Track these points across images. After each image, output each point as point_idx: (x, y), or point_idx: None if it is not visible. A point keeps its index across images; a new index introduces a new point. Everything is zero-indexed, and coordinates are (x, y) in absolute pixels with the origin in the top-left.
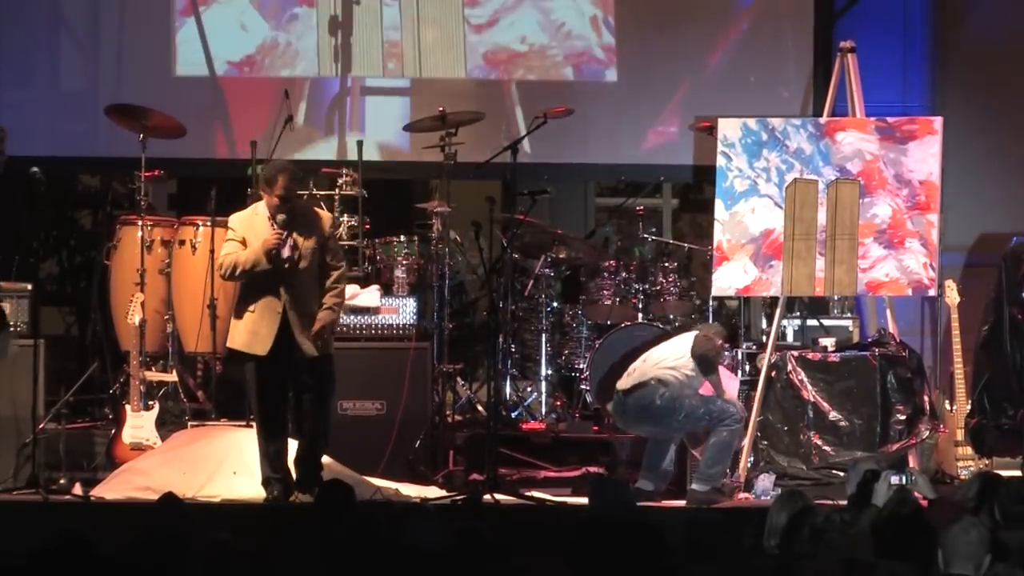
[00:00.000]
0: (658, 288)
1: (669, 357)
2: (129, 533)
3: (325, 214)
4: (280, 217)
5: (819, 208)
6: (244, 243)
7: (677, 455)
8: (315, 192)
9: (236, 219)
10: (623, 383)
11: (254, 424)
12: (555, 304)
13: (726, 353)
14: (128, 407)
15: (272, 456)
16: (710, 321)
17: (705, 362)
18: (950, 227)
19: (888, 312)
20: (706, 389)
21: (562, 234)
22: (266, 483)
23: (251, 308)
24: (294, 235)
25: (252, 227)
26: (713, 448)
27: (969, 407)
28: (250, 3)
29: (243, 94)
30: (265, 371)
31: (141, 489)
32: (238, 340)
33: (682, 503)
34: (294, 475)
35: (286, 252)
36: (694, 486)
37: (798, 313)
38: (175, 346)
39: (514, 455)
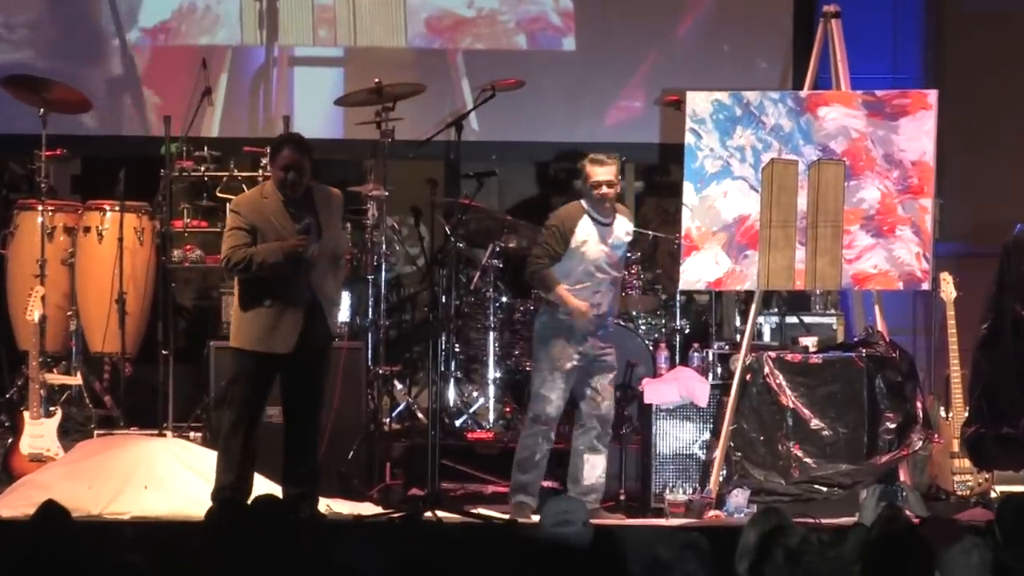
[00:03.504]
0: None
1: None
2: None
3: (337, 192)
4: (306, 223)
5: (799, 192)
6: (253, 231)
7: (623, 466)
8: (236, 173)
9: (242, 203)
10: None
11: (231, 426)
12: (504, 299)
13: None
14: (26, 414)
15: (245, 463)
16: (677, 317)
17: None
18: (946, 213)
19: (876, 308)
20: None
21: (512, 221)
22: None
23: (267, 302)
24: (315, 222)
25: (260, 212)
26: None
27: (966, 414)
28: None
29: (157, 64)
30: (266, 369)
31: None
32: (246, 338)
33: (645, 521)
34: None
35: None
36: None
37: (776, 309)
38: (79, 345)
39: (458, 468)
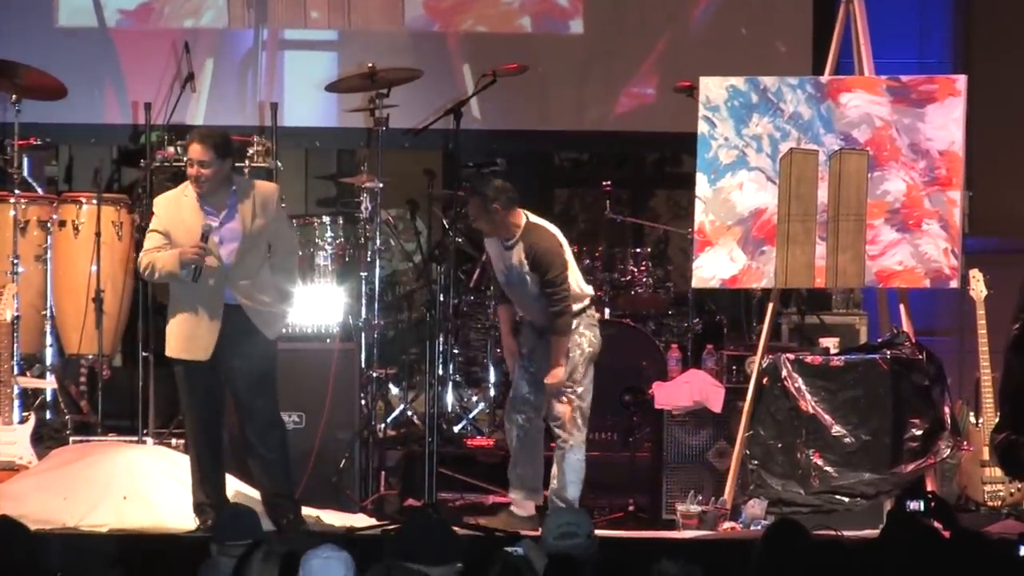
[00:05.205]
0: (628, 278)
1: None
2: None
3: (269, 186)
4: (205, 226)
5: (820, 184)
6: (167, 233)
7: (632, 475)
8: None
9: (160, 202)
10: None
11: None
12: None
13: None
14: None
15: (212, 476)
16: (690, 317)
17: None
18: (976, 206)
19: (902, 307)
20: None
21: None
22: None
23: (187, 307)
24: (236, 220)
25: (176, 212)
26: None
27: (997, 420)
28: None
29: (137, 48)
30: (198, 377)
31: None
32: (173, 346)
33: (656, 534)
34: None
35: (210, 261)
36: None
37: (795, 308)
38: (54, 347)
39: (457, 476)
